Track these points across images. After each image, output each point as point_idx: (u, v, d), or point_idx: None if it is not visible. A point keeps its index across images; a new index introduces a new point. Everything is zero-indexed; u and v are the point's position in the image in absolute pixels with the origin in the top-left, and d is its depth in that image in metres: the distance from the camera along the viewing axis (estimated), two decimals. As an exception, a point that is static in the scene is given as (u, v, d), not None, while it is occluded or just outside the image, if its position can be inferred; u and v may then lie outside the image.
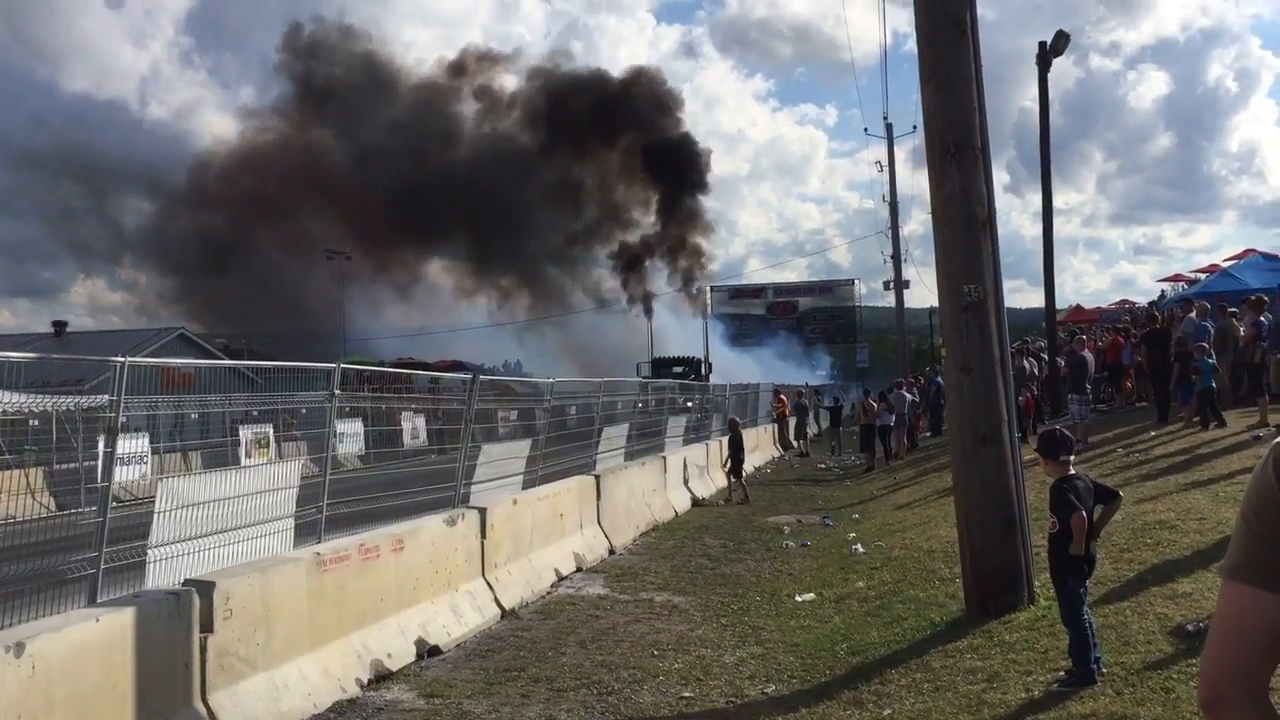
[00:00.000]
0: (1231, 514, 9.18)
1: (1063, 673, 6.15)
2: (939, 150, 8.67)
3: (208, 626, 6.21)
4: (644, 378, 39.12)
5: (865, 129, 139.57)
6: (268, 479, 8.27)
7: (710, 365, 58.75)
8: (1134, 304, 41.12)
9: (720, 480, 22.22)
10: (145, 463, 11.06)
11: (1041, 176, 22.84)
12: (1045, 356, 22.91)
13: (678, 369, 53.05)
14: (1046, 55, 22.63)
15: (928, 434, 28.76)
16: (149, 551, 6.84)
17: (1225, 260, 33.50)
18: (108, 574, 6.67)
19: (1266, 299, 17.91)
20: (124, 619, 5.60)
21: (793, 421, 35.52)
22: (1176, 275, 42.94)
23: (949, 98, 8.69)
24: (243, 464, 12.53)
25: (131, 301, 63.22)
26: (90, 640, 5.36)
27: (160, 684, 5.77)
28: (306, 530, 8.66)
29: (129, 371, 6.69)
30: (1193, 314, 19.07)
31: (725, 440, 21.72)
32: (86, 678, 5.27)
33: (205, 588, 6.27)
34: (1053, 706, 5.73)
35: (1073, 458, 6.43)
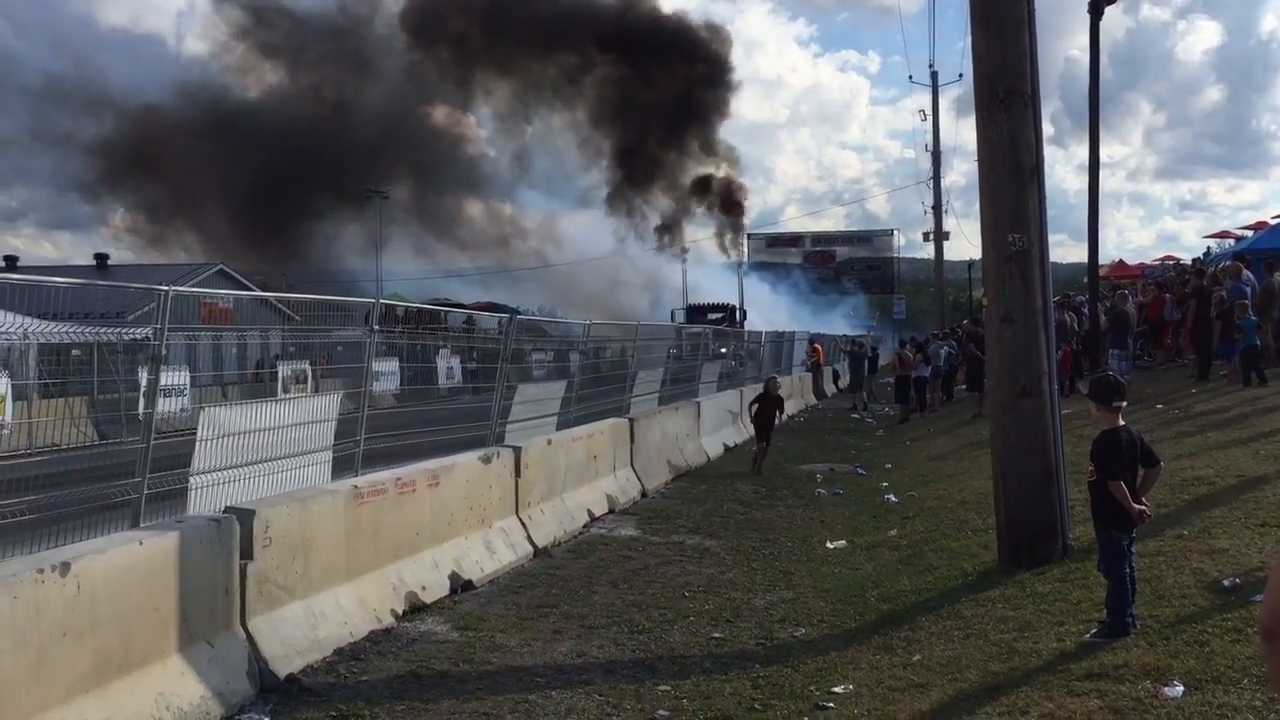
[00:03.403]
0: (1273, 473, 9.10)
1: (1096, 624, 6.13)
2: (988, 96, 8.50)
3: (248, 553, 6.31)
4: (679, 324, 39.00)
5: (910, 76, 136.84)
6: (306, 411, 8.35)
7: (745, 312, 58.45)
8: (1179, 260, 40.48)
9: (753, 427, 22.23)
10: (185, 395, 11.19)
11: (1090, 128, 22.42)
12: (1086, 311, 22.64)
13: (713, 315, 52.75)
14: (1099, 3, 22.12)
15: (963, 386, 28.59)
16: (190, 479, 6.94)
17: (1273, 218, 32.88)
18: (150, 500, 6.77)
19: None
20: (167, 543, 5.70)
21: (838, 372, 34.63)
22: (1223, 232, 42.22)
23: (999, 41, 8.50)
24: (281, 397, 12.66)
25: (149, 235, 60.73)
26: (134, 563, 5.46)
27: (201, 607, 5.89)
28: (344, 464, 8.75)
29: (171, 304, 6.74)
30: (1229, 276, 18.78)
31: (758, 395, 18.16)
32: (130, 599, 5.38)
33: (245, 515, 6.37)
34: (1085, 657, 5.71)
35: (1124, 405, 6.34)
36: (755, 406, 17.52)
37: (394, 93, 66.39)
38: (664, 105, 70.75)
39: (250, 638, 6.24)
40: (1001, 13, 8.52)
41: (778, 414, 17.40)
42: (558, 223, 77.38)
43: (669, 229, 73.30)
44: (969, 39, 8.75)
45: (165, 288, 6.51)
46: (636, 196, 71.10)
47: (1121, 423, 6.25)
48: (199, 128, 57.70)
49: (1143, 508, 6.12)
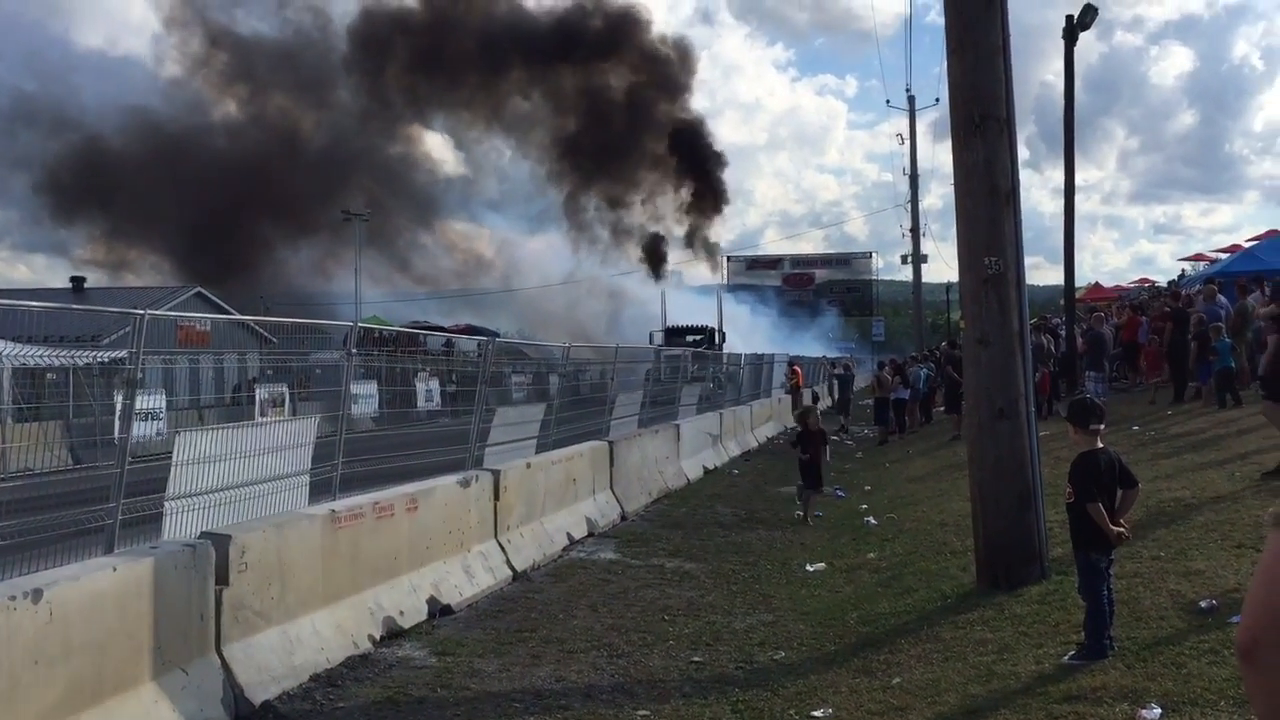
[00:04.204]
0: (1248, 494, 9.16)
1: (1074, 646, 6.15)
2: (963, 120, 8.58)
3: (223, 579, 6.26)
4: (657, 346, 39.04)
5: (887, 100, 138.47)
6: (284, 435, 8.31)
7: (724, 334, 58.43)
8: (1154, 283, 40.84)
9: (734, 449, 22.24)
10: (161, 419, 11.12)
11: (1065, 152, 22.61)
12: (1063, 333, 22.79)
13: (691, 338, 52.64)
14: (1073, 29, 22.35)
15: (941, 409, 28.70)
16: (166, 504, 6.89)
17: (1247, 240, 33.25)
18: (125, 526, 6.71)
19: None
20: (141, 569, 5.64)
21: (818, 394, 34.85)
22: (1198, 255, 42.66)
23: (975, 67, 8.58)
24: (258, 421, 12.58)
25: (109, 262, 59.79)
26: (107, 589, 5.40)
27: (176, 634, 5.83)
28: (322, 488, 8.70)
29: (147, 327, 6.71)
30: (1202, 298, 18.99)
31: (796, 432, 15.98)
32: (103, 625, 5.32)
33: (221, 540, 6.32)
34: (1063, 679, 5.73)
35: (1102, 427, 6.37)
36: (797, 447, 14.58)
37: (350, 116, 66.76)
38: (616, 103, 71.06)
39: (225, 664, 6.18)
40: (976, 39, 8.60)
41: (824, 451, 14.75)
42: (518, 246, 77.54)
43: (653, 249, 73.50)
44: (945, 64, 8.84)
45: (141, 311, 6.47)
46: (592, 193, 71.19)
47: (1100, 445, 6.29)
48: (148, 155, 57.52)
49: (1121, 530, 6.15)
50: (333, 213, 57.51)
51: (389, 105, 68.41)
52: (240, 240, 58.69)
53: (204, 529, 6.68)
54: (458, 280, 70.78)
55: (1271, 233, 31.83)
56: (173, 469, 6.96)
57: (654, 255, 74.66)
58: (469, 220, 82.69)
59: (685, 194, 75.76)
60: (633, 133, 72.03)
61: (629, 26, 71.59)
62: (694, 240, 77.18)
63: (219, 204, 56.41)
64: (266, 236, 60.45)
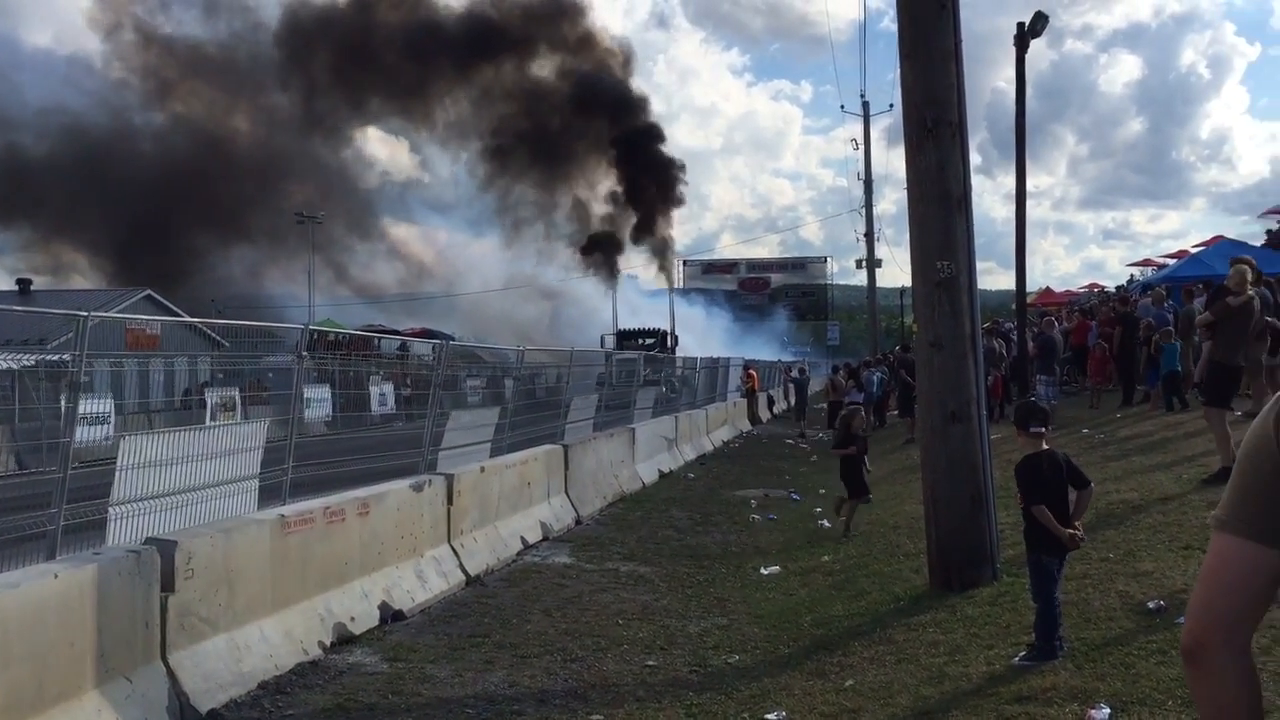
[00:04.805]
0: (1195, 496, 9.29)
1: (1025, 647, 6.19)
2: (916, 125, 8.64)
3: (169, 585, 6.14)
4: (608, 350, 38.95)
5: (842, 106, 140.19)
6: (232, 439, 8.19)
7: (677, 338, 58.33)
8: (1104, 288, 41.44)
9: (690, 453, 22.25)
10: (109, 423, 10.94)
11: (1016, 157, 22.85)
12: (1014, 338, 23.03)
13: (645, 341, 52.42)
14: (1024, 36, 22.61)
15: (895, 412, 28.92)
16: (110, 509, 6.75)
17: (1194, 246, 33.81)
18: (68, 532, 6.58)
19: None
20: (83, 576, 5.52)
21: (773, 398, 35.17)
22: (1146, 260, 43.33)
23: (927, 71, 8.65)
24: (206, 425, 12.41)
25: (43, 264, 58.50)
26: (48, 597, 5.27)
27: (120, 642, 5.70)
28: (271, 492, 8.59)
29: (93, 329, 6.58)
30: (1148, 300, 19.32)
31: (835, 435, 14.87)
32: (44, 634, 5.19)
33: (167, 546, 6.20)
34: (1014, 680, 5.77)
35: (1044, 430, 6.42)
36: (842, 449, 13.30)
37: (283, 119, 66.12)
38: (550, 96, 70.44)
39: (171, 672, 6.06)
40: (929, 44, 8.67)
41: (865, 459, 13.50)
42: (460, 249, 77.00)
43: (601, 247, 72.83)
44: (898, 70, 8.89)
45: (85, 314, 6.34)
46: (531, 191, 70.40)
47: (1045, 447, 6.34)
48: (77, 158, 56.54)
49: (1074, 531, 6.17)
50: (268, 218, 56.87)
51: (321, 108, 67.76)
52: (175, 246, 57.82)
53: (149, 535, 6.55)
54: (400, 285, 70.09)
55: (1218, 239, 32.41)
56: (117, 474, 6.83)
57: (601, 252, 73.88)
58: (411, 223, 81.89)
59: (621, 186, 74.81)
60: (570, 127, 71.42)
61: (554, 16, 71.07)
62: (641, 236, 76.26)
63: (153, 208, 55.59)
64: (199, 243, 59.55)
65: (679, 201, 78.01)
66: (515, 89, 70.25)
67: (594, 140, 71.80)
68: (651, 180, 73.14)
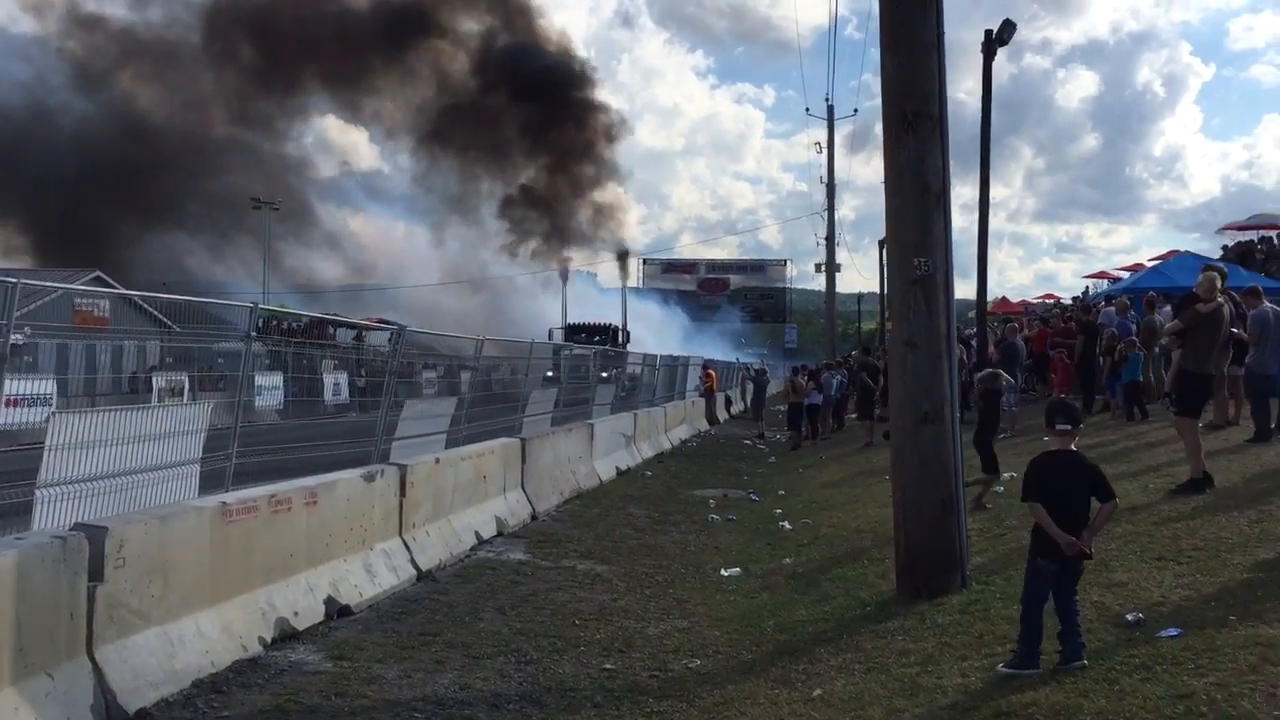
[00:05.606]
0: (1164, 507, 9.12)
1: (1001, 657, 5.94)
2: (896, 118, 8.39)
3: (97, 575, 5.73)
4: (557, 344, 38.32)
5: (807, 109, 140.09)
6: (172, 421, 7.74)
7: (629, 334, 57.65)
8: (1059, 299, 41.66)
9: (648, 450, 21.95)
10: (50, 405, 10.46)
11: (981, 164, 22.73)
12: (975, 344, 22.95)
13: (595, 338, 51.60)
14: (992, 44, 22.54)
15: (853, 415, 28.79)
16: (36, 492, 6.31)
17: (1149, 260, 34.07)
18: (-10, 515, 6.16)
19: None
20: (3, 563, 5.10)
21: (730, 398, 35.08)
22: (1101, 272, 43.69)
23: (908, 63, 8.40)
24: (146, 406, 11.93)
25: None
26: (-38, 584, 4.87)
27: (41, 635, 5.29)
28: (214, 479, 8.17)
29: (39, 309, 6.16)
30: (1112, 308, 19.29)
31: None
32: (-44, 625, 4.79)
33: (96, 533, 5.79)
34: (992, 694, 5.50)
35: (1070, 428, 6.08)
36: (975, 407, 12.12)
37: (218, 104, 65.18)
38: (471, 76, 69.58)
39: (97, 668, 5.65)
40: (911, 36, 8.43)
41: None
42: (402, 240, 76.11)
43: (552, 237, 72.28)
44: (871, 69, 8.70)
45: (13, 280, 5.92)
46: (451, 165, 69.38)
47: (1070, 448, 6.06)
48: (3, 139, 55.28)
49: (1073, 538, 5.79)
50: (204, 204, 55.89)
51: (253, 93, 66.88)
52: (114, 233, 56.72)
53: (79, 520, 6.13)
54: (341, 280, 69.06)
55: (1173, 253, 32.66)
56: (46, 453, 6.38)
57: (534, 210, 73.06)
58: (353, 212, 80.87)
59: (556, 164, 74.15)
60: (502, 108, 70.97)
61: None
62: (596, 226, 75.50)
63: (82, 191, 54.53)
64: (131, 231, 58.42)
65: (611, 138, 77.16)
66: (443, 69, 69.89)
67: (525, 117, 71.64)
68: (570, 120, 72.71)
